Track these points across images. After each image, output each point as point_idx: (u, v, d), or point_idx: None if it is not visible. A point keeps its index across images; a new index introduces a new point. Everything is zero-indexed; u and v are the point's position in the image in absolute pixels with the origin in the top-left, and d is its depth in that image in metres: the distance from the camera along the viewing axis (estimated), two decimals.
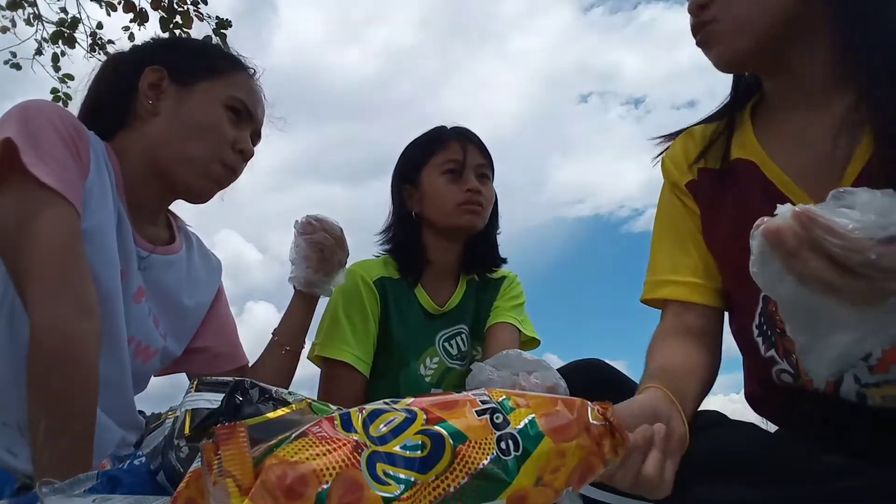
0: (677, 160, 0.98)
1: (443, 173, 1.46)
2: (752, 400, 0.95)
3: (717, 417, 0.74)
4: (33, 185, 0.86)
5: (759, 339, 0.87)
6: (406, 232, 1.52)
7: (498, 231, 1.59)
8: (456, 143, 1.48)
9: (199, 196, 1.12)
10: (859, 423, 0.79)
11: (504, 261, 1.57)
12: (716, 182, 0.92)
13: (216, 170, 1.08)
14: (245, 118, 1.11)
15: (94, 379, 0.84)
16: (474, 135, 1.52)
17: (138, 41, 4.15)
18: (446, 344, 1.49)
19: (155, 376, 1.19)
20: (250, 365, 1.29)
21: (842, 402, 0.80)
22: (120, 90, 1.08)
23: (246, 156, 1.12)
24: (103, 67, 1.15)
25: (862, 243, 0.51)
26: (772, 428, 0.92)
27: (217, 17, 3.94)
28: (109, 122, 1.07)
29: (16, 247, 0.86)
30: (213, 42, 1.18)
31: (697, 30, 0.86)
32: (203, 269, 1.23)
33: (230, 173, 1.11)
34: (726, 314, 0.95)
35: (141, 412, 1.07)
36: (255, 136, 1.16)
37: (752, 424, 0.80)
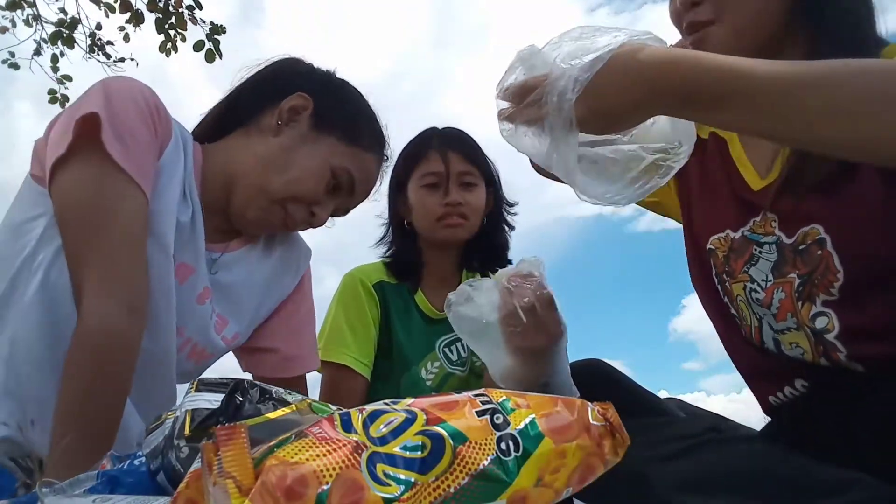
0: None
1: (423, 186, 1.45)
2: (736, 364, 0.98)
3: (714, 433, 0.73)
4: (108, 165, 0.85)
5: (719, 287, 0.94)
6: (401, 240, 1.52)
7: (511, 229, 1.57)
8: (436, 153, 1.45)
9: (243, 225, 1.08)
10: (800, 374, 0.84)
11: (510, 262, 1.55)
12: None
13: (276, 213, 1.04)
14: (342, 193, 1.08)
15: (128, 377, 0.84)
16: (459, 140, 1.49)
17: (133, 41, 4.15)
18: (446, 349, 1.49)
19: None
20: None
21: (783, 356, 0.85)
22: (263, 94, 1.07)
23: (315, 222, 1.08)
24: (271, 67, 1.12)
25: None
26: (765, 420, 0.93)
27: (211, 23, 3.93)
28: (236, 119, 1.06)
29: (81, 227, 0.85)
30: (369, 105, 1.16)
31: (692, 29, 0.86)
32: (282, 260, 1.18)
33: (282, 226, 1.07)
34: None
35: None
36: (341, 212, 1.13)
37: (751, 436, 0.81)
